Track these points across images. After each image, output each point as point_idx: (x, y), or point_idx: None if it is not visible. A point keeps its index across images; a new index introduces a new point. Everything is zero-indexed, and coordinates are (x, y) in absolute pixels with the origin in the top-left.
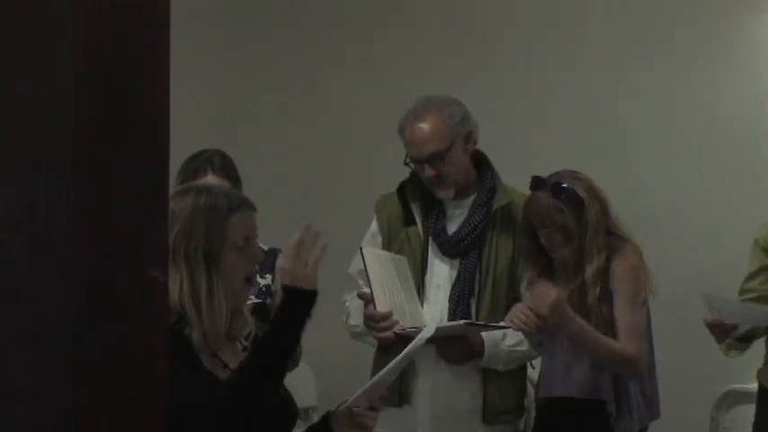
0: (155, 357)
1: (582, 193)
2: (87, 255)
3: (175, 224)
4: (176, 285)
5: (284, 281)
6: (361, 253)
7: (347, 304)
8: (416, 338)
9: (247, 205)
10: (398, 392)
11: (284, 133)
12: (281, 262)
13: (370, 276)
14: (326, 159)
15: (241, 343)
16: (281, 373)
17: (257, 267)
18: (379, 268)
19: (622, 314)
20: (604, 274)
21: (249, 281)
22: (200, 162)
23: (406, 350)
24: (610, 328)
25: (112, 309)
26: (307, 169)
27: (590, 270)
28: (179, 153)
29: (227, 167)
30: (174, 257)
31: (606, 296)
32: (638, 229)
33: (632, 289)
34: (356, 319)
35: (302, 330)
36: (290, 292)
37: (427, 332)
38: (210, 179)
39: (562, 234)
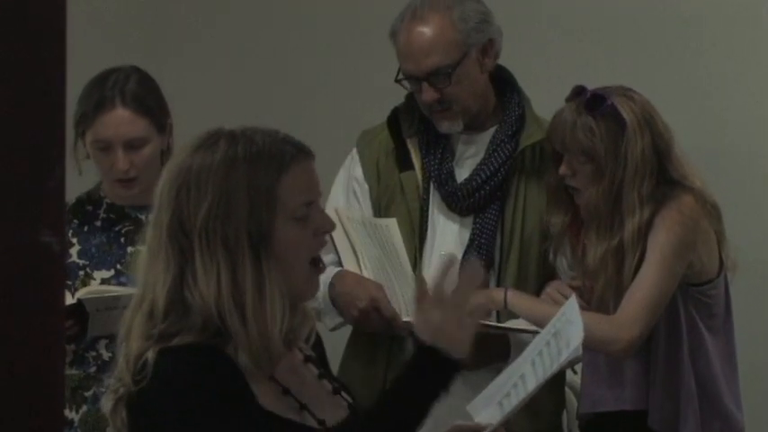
0: (48, 352)
1: (626, 115)
2: None
3: (204, 195)
4: (212, 285)
5: (421, 334)
6: None
7: None
8: (569, 348)
9: (304, 154)
10: None
11: (229, 53)
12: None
13: (339, 249)
14: (290, 83)
15: (301, 349)
16: None
17: (326, 241)
18: (355, 236)
19: (640, 275)
20: (647, 233)
21: (315, 264)
22: (105, 91)
23: (548, 369)
24: None
25: None
26: (260, 99)
27: (630, 226)
28: (80, 81)
29: (143, 97)
30: (209, 244)
31: None
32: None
33: (668, 246)
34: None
35: (431, 407)
36: (430, 354)
37: (576, 338)
38: (119, 117)
39: (589, 164)
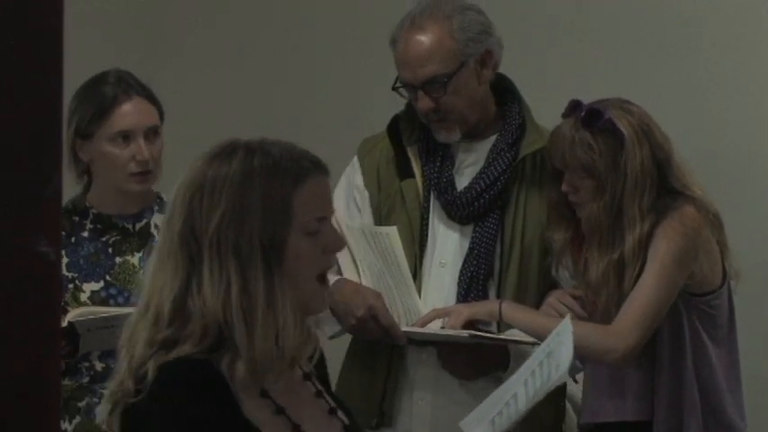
0: (45, 359)
1: (624, 128)
2: None
3: (218, 203)
4: (218, 293)
5: None
6: None
7: None
8: (555, 372)
9: (320, 170)
10: (378, 410)
11: (229, 53)
12: None
13: (338, 257)
14: (287, 91)
15: (302, 368)
16: None
17: (335, 260)
18: (354, 244)
19: (639, 284)
20: (647, 245)
21: (321, 280)
22: (114, 86)
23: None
24: None
25: None
26: (260, 100)
27: (631, 240)
28: (80, 81)
29: (149, 89)
30: (219, 252)
31: None
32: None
33: (669, 255)
34: None
35: None
36: None
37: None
38: (137, 106)
39: (589, 180)
